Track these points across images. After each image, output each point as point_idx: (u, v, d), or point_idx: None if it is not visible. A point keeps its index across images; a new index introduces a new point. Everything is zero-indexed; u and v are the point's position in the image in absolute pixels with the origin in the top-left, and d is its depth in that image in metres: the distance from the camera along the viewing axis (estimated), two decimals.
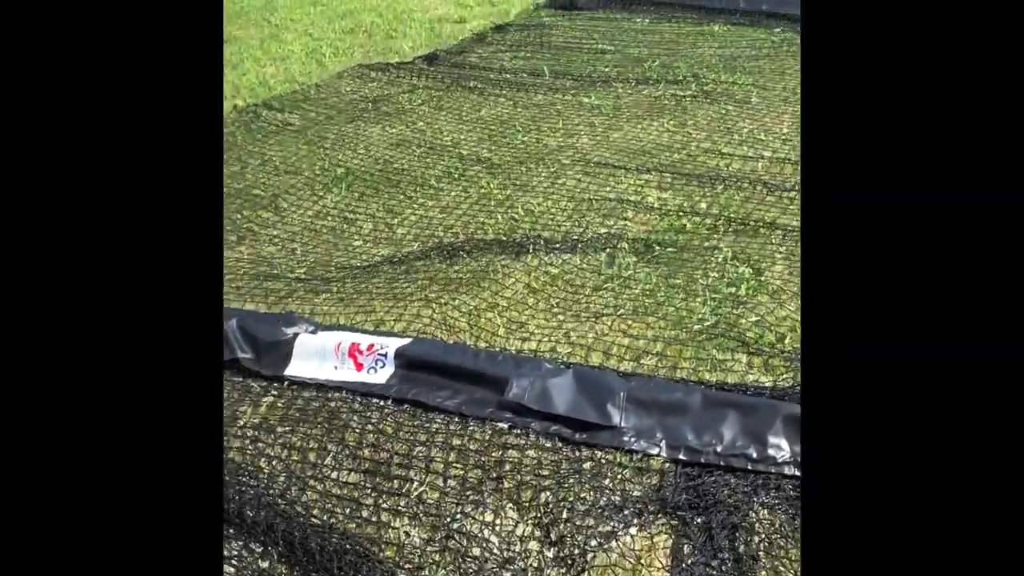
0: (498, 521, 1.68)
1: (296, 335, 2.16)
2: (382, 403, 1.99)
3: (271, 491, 1.75)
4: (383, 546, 1.65)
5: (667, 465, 1.79)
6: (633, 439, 1.84)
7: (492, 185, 3.12)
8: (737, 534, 1.61)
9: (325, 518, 1.70)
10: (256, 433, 1.91)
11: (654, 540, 1.62)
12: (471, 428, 1.91)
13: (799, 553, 1.56)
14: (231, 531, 1.67)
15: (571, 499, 1.71)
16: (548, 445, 1.85)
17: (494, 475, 1.78)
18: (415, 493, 1.75)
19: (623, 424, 1.86)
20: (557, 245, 2.66)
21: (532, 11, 5.54)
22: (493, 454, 1.83)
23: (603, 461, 1.81)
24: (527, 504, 1.71)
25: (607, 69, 4.26)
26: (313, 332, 2.18)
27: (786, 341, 2.13)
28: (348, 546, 1.61)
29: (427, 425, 1.93)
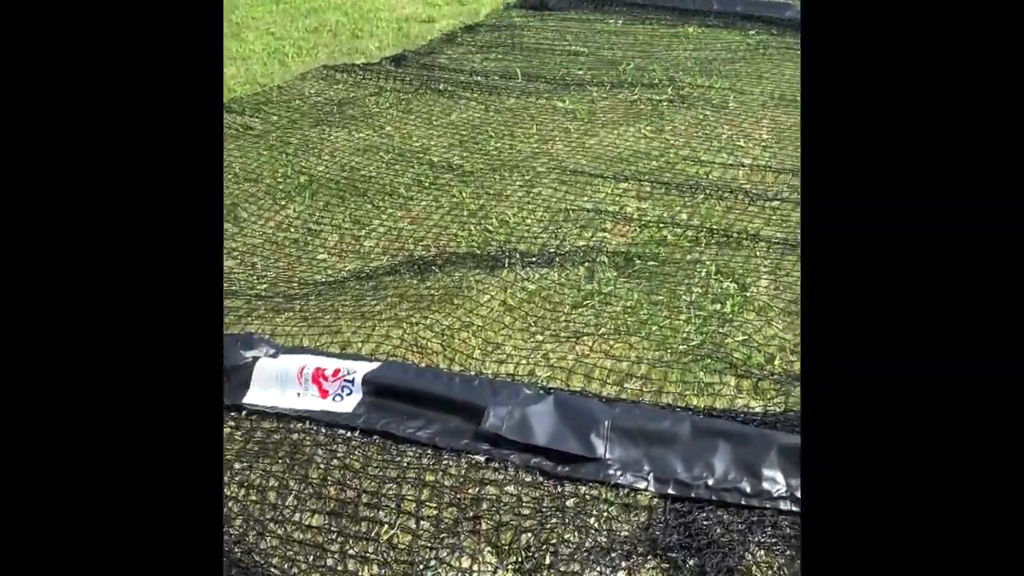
0: (476, 567, 1.55)
1: (255, 359, 2.01)
2: (349, 435, 1.85)
3: (226, 537, 1.60)
4: None
5: (655, 501, 1.68)
6: (619, 472, 1.72)
7: (464, 194, 2.98)
8: None
9: (286, 567, 1.55)
10: None
11: None
12: (445, 462, 1.77)
13: None
14: None
15: (554, 541, 1.58)
16: (528, 480, 1.73)
17: (471, 515, 1.65)
18: (385, 537, 1.61)
19: (608, 456, 1.74)
20: (534, 259, 2.54)
21: (503, 11, 5.41)
22: (469, 491, 1.70)
23: (587, 497, 1.69)
24: (507, 548, 1.58)
25: (581, 72, 4.15)
26: (274, 355, 2.03)
27: (775, 362, 2.04)
28: None
29: (398, 459, 1.79)
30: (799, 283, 2.32)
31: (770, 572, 1.51)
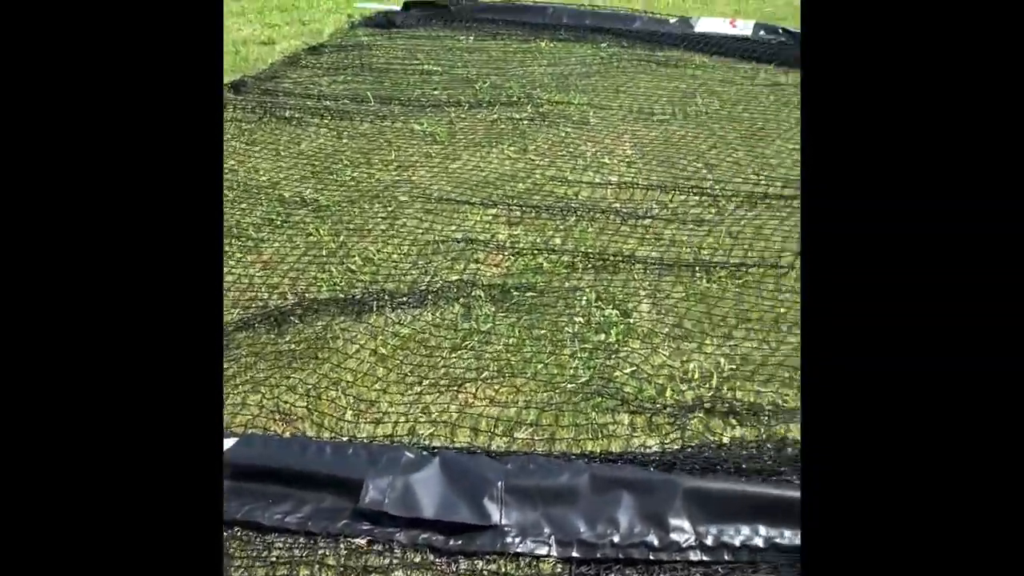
0: None
1: None
2: None
3: None
4: None
5: (559, 567, 1.53)
6: (518, 539, 1.56)
7: (322, 231, 2.74)
8: None
9: None
10: None
11: None
12: (321, 550, 1.55)
13: None
14: None
15: None
16: (418, 560, 1.54)
17: None
18: None
19: (504, 522, 1.58)
20: (404, 299, 2.34)
21: (348, 30, 5.17)
22: None
23: (485, 573, 1.52)
24: None
25: (437, 92, 3.99)
26: None
27: (667, 394, 1.95)
28: None
29: (264, 553, 1.55)
30: (681, 302, 2.26)
31: None
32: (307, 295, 2.39)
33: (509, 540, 1.56)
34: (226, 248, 2.66)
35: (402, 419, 1.90)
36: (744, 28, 4.76)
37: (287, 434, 1.84)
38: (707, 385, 1.97)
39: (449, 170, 3.16)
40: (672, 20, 4.97)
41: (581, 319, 2.23)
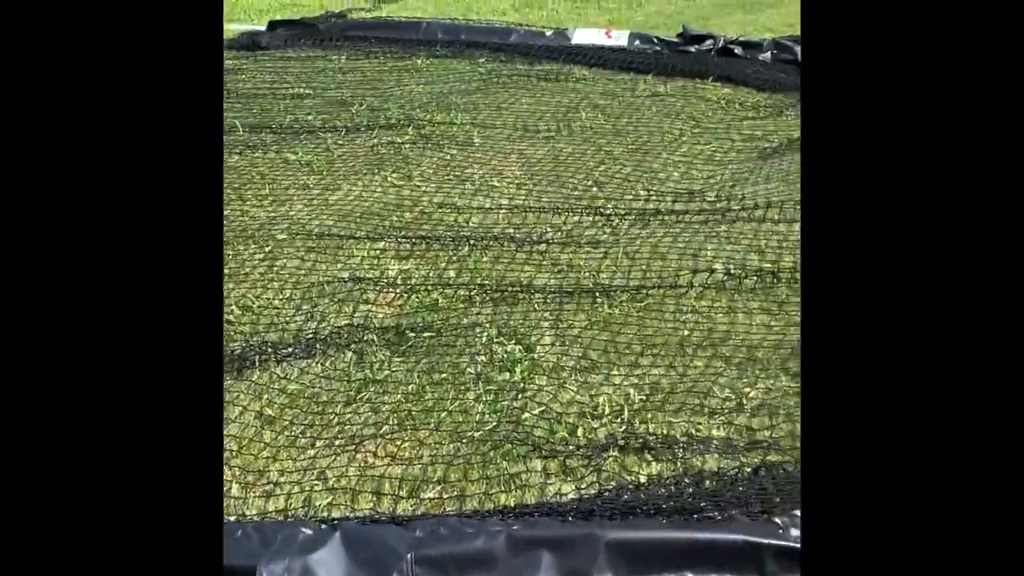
0: None
1: None
2: None
3: None
4: None
5: None
6: None
7: None
8: None
9: None
10: None
11: None
12: None
13: None
14: None
15: None
16: None
17: None
18: None
19: None
20: (289, 350, 2.16)
21: None
22: None
23: None
24: None
25: (310, 117, 3.79)
26: None
27: (579, 433, 1.86)
28: None
29: None
30: (584, 331, 2.19)
31: None
32: None
33: None
34: None
35: (295, 489, 1.73)
36: (619, 38, 4.80)
37: None
38: (619, 419, 1.90)
39: (329, 202, 2.98)
40: (548, 32, 4.95)
41: (483, 358, 2.12)
